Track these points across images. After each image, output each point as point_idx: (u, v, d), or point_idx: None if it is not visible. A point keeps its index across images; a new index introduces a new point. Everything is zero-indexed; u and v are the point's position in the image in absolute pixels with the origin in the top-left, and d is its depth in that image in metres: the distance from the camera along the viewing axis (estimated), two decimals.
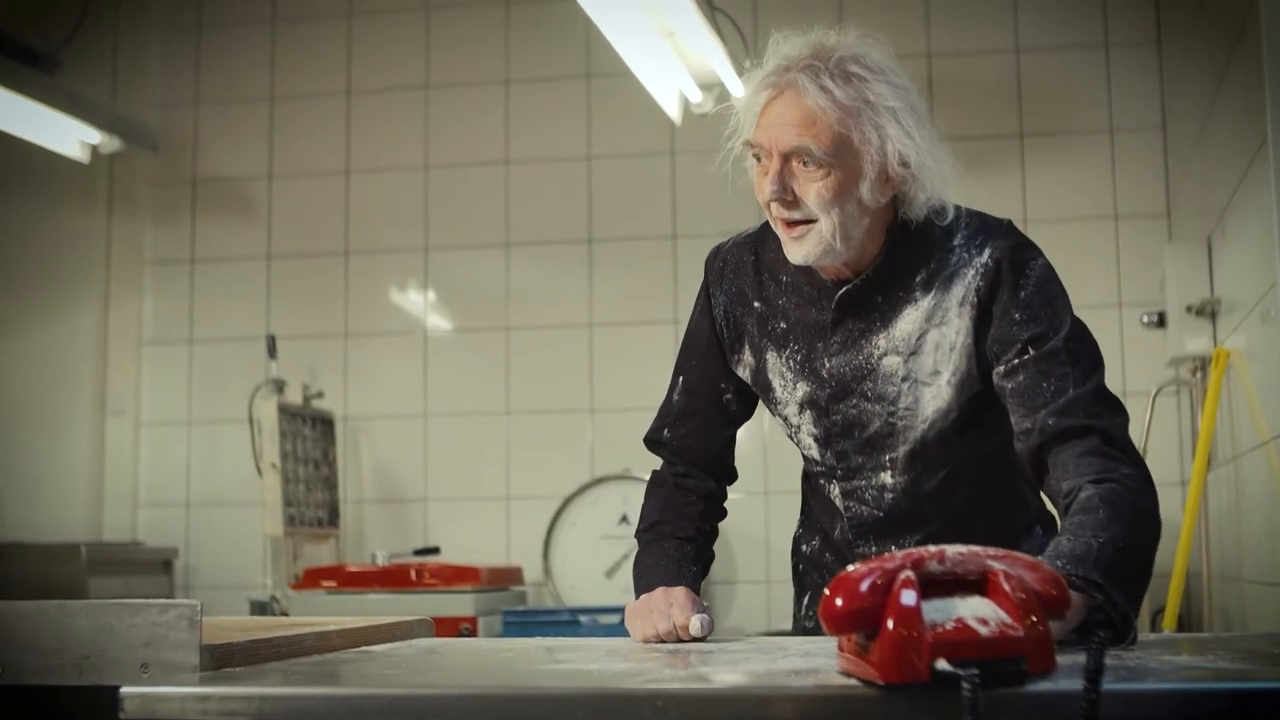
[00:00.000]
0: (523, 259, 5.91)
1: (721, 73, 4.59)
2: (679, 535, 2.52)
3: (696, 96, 4.80)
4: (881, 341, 2.32)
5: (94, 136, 5.35)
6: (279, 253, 6.08)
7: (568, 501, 5.53)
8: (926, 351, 2.29)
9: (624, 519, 5.45)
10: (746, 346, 2.48)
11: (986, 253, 2.26)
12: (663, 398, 2.61)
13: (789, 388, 2.43)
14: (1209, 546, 4.58)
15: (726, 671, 1.52)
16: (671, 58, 4.50)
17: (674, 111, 4.87)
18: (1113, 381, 4.81)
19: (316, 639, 1.76)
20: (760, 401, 2.56)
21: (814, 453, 2.45)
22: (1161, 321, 4.69)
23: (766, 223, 2.45)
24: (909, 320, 2.30)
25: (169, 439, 6.07)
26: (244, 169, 6.15)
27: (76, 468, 5.95)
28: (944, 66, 5.64)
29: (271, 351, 5.60)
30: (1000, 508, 2.47)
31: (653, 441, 2.63)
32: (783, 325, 2.42)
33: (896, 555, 1.29)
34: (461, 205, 5.98)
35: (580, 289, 5.84)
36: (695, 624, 2.27)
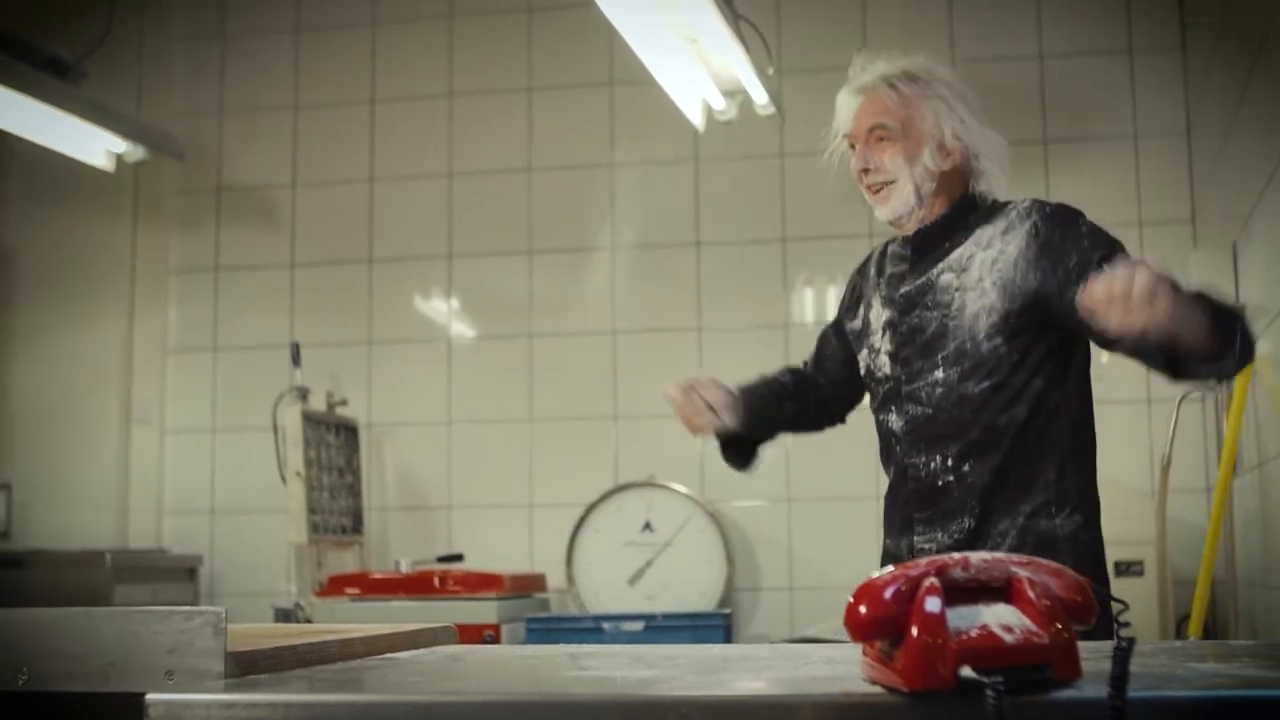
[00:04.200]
0: (546, 266, 5.92)
1: (744, 79, 4.59)
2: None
3: (720, 103, 4.80)
4: (942, 265, 2.87)
5: (119, 145, 5.36)
6: (303, 260, 6.10)
7: (591, 509, 5.53)
8: (974, 267, 2.82)
9: (647, 526, 5.45)
10: (860, 306, 3.08)
11: (1040, 207, 2.87)
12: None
13: (878, 317, 2.98)
14: (1235, 553, 4.56)
15: (750, 679, 1.52)
16: (694, 64, 4.50)
17: (697, 118, 4.87)
18: (1137, 388, 4.79)
19: (340, 646, 1.76)
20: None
21: (886, 370, 2.94)
22: None
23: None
24: (965, 249, 2.86)
25: (194, 447, 6.09)
26: (268, 177, 6.17)
27: (102, 476, 5.97)
28: (968, 73, 5.58)
29: (296, 359, 5.61)
30: (1035, 462, 2.79)
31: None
32: (882, 280, 3.02)
33: (920, 563, 1.29)
34: (485, 212, 5.99)
35: (603, 296, 5.84)
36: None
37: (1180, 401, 4.83)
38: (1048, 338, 2.77)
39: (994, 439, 2.78)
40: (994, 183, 2.95)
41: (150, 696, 1.38)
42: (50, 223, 5.96)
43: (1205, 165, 5.17)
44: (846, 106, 3.00)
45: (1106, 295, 2.29)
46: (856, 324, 3.07)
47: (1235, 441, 4.25)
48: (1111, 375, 5.56)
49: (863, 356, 3.03)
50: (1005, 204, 2.92)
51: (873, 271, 3.07)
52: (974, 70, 5.64)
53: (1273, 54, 3.62)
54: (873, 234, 5.37)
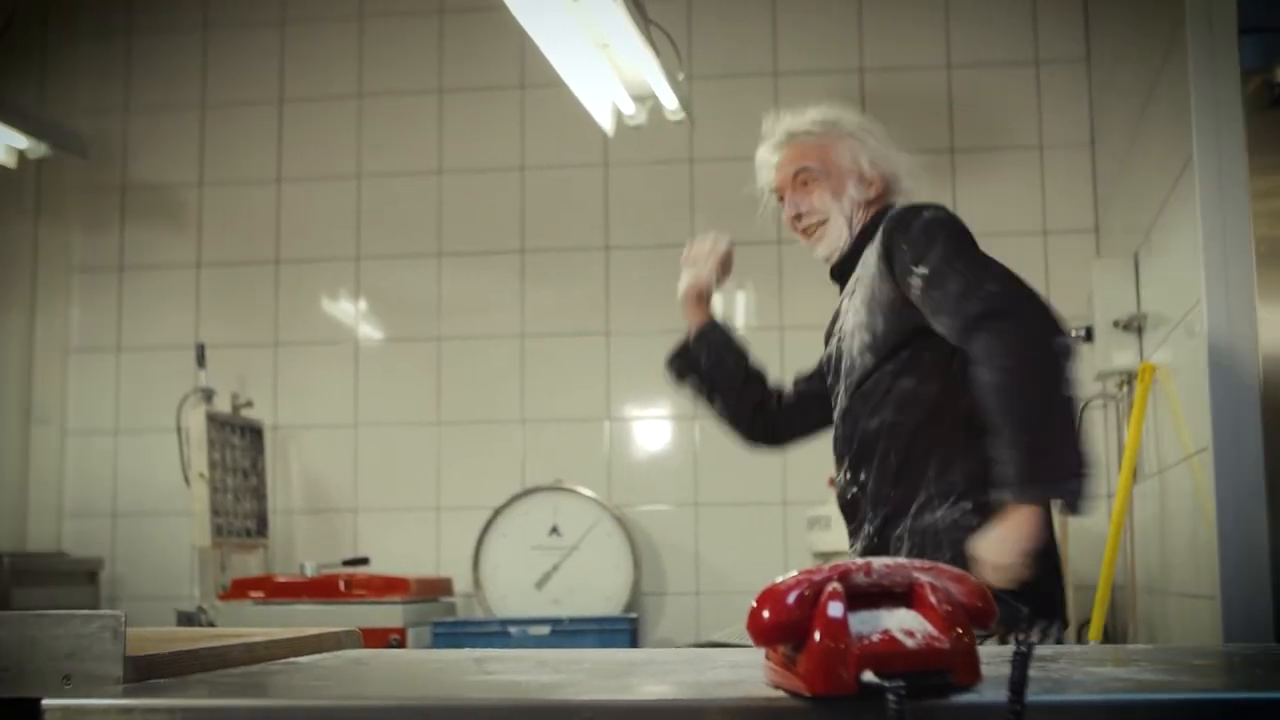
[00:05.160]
0: (455, 269, 5.90)
1: (655, 85, 4.60)
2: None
3: (630, 108, 4.81)
4: (844, 292, 3.05)
5: (21, 141, 5.29)
6: (209, 261, 6.04)
7: (498, 512, 5.52)
8: (859, 286, 2.96)
9: (554, 530, 5.45)
10: None
11: (890, 216, 2.94)
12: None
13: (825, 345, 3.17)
14: (1134, 559, 4.63)
15: (655, 683, 1.52)
16: (605, 69, 4.51)
17: (607, 123, 4.87)
18: None
19: (243, 650, 1.75)
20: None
21: (831, 399, 3.10)
22: (1089, 336, 4.73)
23: None
24: (857, 271, 2.99)
25: (95, 448, 6.01)
26: (174, 176, 6.10)
27: (0, 477, 5.87)
28: (876, 81, 5.68)
29: (200, 360, 5.56)
30: (918, 460, 2.85)
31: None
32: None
33: (824, 568, 1.30)
34: (394, 214, 5.97)
35: (512, 299, 5.84)
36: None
37: (1083, 408, 4.89)
38: (919, 339, 2.85)
39: (869, 444, 2.90)
40: (917, 199, 3.04)
41: (46, 702, 1.36)
42: None
43: (1108, 176, 5.24)
44: (767, 163, 3.16)
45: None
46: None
47: (1136, 448, 4.30)
48: None
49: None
50: None
51: None
52: (882, 79, 5.69)
53: (1174, 68, 3.68)
54: (781, 240, 5.40)
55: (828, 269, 3.12)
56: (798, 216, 3.07)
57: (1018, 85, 5.64)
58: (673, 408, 5.64)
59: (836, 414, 3.04)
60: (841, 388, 3.00)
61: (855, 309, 2.94)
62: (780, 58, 5.79)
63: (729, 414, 3.37)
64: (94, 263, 6.12)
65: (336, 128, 6.04)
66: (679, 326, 5.79)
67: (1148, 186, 4.23)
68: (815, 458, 5.25)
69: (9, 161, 5.36)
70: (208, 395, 5.47)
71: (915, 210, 2.92)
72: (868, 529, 2.91)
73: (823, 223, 3.05)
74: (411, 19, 6.04)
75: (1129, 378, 4.59)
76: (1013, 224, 5.52)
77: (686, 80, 4.92)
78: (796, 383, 3.35)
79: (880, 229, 2.93)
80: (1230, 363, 3.37)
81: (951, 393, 2.83)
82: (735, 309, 5.67)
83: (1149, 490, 4.42)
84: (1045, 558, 2.77)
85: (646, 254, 5.75)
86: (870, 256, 2.94)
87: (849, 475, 2.97)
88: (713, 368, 3.35)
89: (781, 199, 3.13)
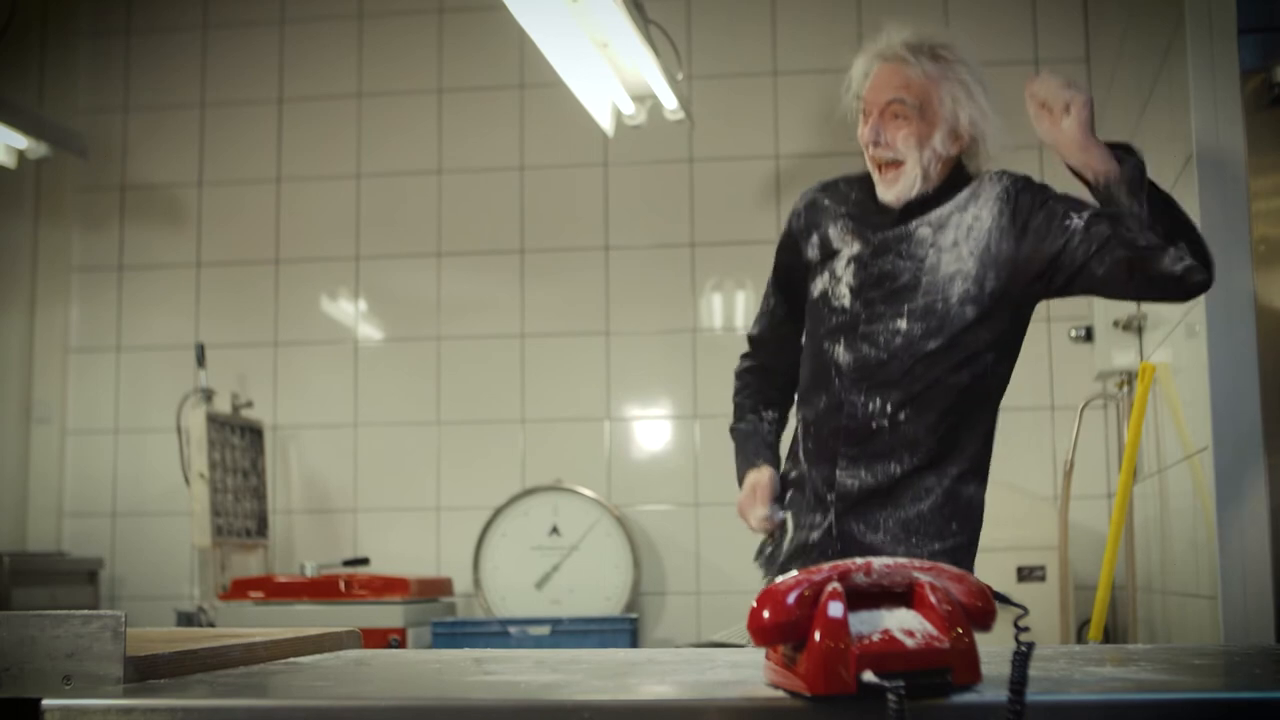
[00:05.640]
0: (455, 269, 5.90)
1: (654, 85, 4.60)
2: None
3: (629, 108, 4.81)
4: (920, 220, 2.96)
5: (20, 141, 5.28)
6: (209, 260, 6.04)
7: (498, 512, 5.52)
8: (950, 228, 2.93)
9: (554, 530, 5.45)
10: (815, 233, 3.09)
11: (1009, 176, 3.01)
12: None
13: (846, 245, 3.02)
14: (1134, 559, 4.63)
15: (655, 683, 1.52)
16: (605, 69, 4.51)
17: (607, 123, 4.87)
18: (1040, 395, 4.88)
19: (243, 650, 1.75)
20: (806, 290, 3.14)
21: (844, 302, 2.99)
22: (1089, 336, 4.73)
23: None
24: (944, 209, 2.96)
25: (95, 448, 6.01)
26: (174, 176, 6.10)
27: (0, 477, 5.87)
28: None
29: (200, 360, 5.56)
30: (967, 428, 2.93)
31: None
32: (845, 211, 3.07)
33: (824, 568, 1.29)
34: (393, 214, 5.96)
35: (512, 299, 5.83)
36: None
37: (1083, 408, 4.89)
38: (1009, 316, 2.92)
39: (935, 396, 2.89)
40: (986, 164, 3.04)
41: (47, 702, 1.36)
42: None
43: None
44: (865, 71, 3.05)
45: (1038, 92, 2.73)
46: (813, 252, 3.08)
47: (1136, 448, 4.31)
48: (1017, 379, 5.62)
49: (820, 281, 3.05)
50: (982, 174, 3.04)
51: (827, 202, 3.11)
52: None
53: (1173, 67, 3.68)
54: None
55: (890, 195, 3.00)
56: (875, 143, 2.97)
57: (1018, 85, 5.63)
58: (673, 408, 5.64)
59: (890, 339, 2.93)
60: (905, 315, 2.92)
61: (960, 256, 2.90)
62: (780, 57, 5.78)
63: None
64: (93, 262, 6.11)
65: (336, 127, 6.04)
66: (678, 327, 5.80)
67: None
68: None
69: (8, 161, 5.36)
70: (208, 395, 5.47)
71: (1037, 181, 3.03)
72: (893, 468, 2.90)
73: (898, 164, 2.95)
74: (411, 19, 6.04)
75: (1129, 378, 4.59)
76: None
77: (686, 80, 4.92)
78: (777, 348, 3.23)
79: (1001, 187, 2.96)
80: (1230, 363, 3.37)
81: (1003, 385, 2.99)
82: (735, 309, 5.67)
83: (1149, 490, 4.42)
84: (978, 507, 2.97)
85: (646, 254, 5.75)
86: (978, 210, 2.94)
87: (888, 408, 2.91)
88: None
89: (864, 115, 3.01)
